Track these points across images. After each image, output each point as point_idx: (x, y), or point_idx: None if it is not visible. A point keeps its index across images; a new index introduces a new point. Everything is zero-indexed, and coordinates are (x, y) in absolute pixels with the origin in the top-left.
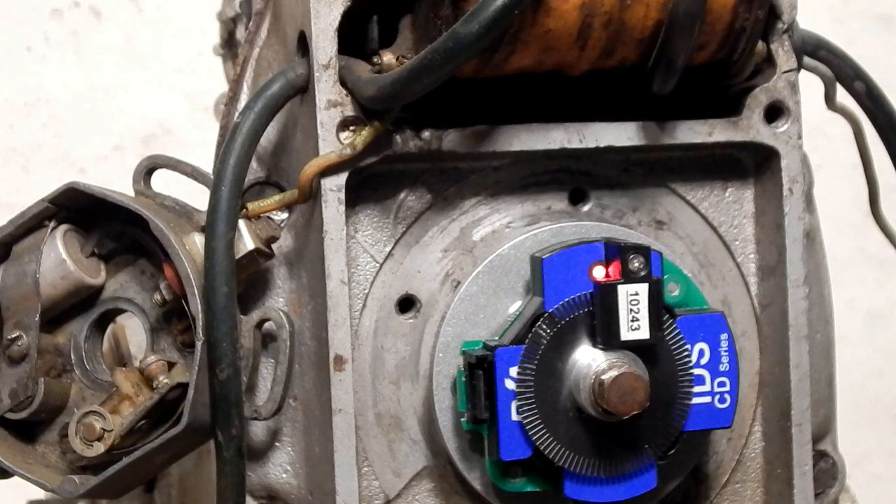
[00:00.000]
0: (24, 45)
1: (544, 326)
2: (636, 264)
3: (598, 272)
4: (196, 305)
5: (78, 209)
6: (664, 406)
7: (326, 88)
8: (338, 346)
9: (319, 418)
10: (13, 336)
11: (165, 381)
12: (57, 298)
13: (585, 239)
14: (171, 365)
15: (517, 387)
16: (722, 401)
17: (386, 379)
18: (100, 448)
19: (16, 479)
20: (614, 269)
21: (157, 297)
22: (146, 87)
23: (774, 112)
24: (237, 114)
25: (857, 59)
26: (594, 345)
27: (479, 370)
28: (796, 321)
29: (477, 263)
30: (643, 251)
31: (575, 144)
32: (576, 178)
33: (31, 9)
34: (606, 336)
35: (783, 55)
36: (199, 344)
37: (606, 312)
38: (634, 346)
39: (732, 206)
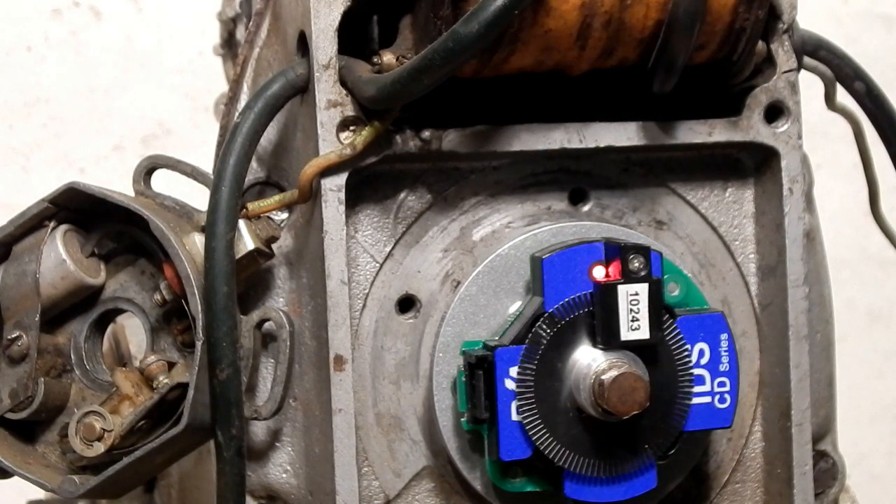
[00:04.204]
0: (24, 45)
1: (544, 326)
2: (636, 264)
3: (598, 272)
4: (196, 305)
5: (78, 209)
6: (664, 406)
7: (326, 88)
8: (338, 346)
9: (319, 418)
10: (13, 336)
11: (165, 381)
12: (57, 298)
13: (585, 239)
14: (171, 365)
15: (517, 387)
16: (722, 401)
17: (386, 379)
18: (100, 448)
19: (16, 479)
20: (614, 269)
21: (157, 297)
22: (146, 87)
23: (774, 112)
24: (237, 114)
25: (857, 59)
26: (594, 345)
27: (479, 370)
28: (796, 321)
29: (477, 263)
30: (643, 251)
31: (575, 144)
32: (576, 178)
33: (31, 9)
34: (606, 336)
35: (783, 55)
36: (199, 344)
37: (606, 312)
38: (634, 346)
39: (732, 206)
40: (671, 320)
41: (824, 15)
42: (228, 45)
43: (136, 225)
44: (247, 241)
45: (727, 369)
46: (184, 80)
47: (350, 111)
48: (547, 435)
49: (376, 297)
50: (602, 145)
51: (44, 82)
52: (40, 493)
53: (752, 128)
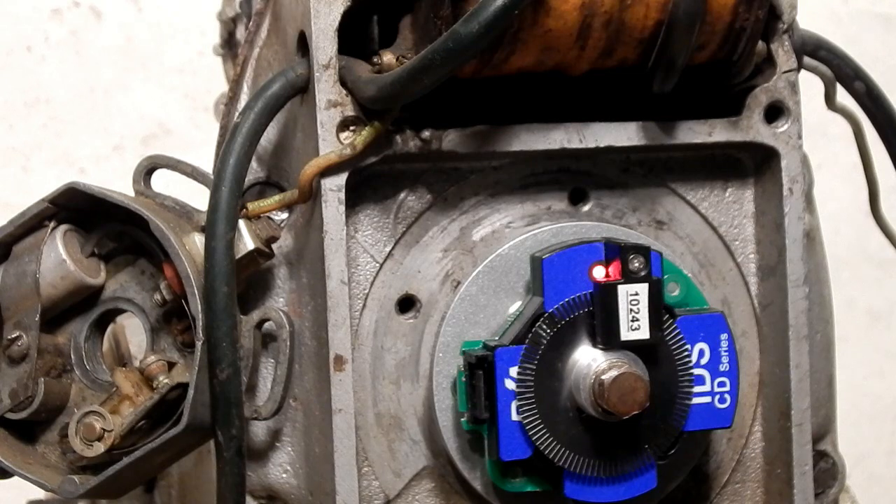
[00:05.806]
0: (24, 45)
1: (544, 326)
2: (636, 264)
3: (598, 272)
4: (196, 305)
5: (78, 209)
6: (664, 406)
7: (326, 88)
8: (338, 346)
9: (319, 418)
10: (13, 336)
11: (165, 381)
12: (57, 298)
13: (585, 239)
14: (171, 365)
15: (517, 387)
16: (722, 401)
17: (386, 379)
18: (100, 448)
19: (16, 479)
20: (614, 269)
21: (157, 297)
22: (146, 87)
23: (774, 112)
24: (237, 114)
25: (857, 59)
26: (594, 345)
27: (479, 370)
28: (796, 321)
29: (477, 263)
30: (643, 251)
31: (575, 144)
32: (576, 178)
33: (31, 9)
34: (606, 336)
35: (783, 55)
36: (199, 344)
37: (606, 312)
38: (634, 346)
39: (732, 206)
40: (671, 320)
41: (824, 15)
42: (228, 45)
43: (136, 225)
44: (247, 241)
45: (727, 369)
46: (184, 80)
47: (350, 111)
48: (547, 435)
49: (376, 297)
50: (602, 145)
51: (44, 82)
52: (40, 493)
53: (752, 128)
